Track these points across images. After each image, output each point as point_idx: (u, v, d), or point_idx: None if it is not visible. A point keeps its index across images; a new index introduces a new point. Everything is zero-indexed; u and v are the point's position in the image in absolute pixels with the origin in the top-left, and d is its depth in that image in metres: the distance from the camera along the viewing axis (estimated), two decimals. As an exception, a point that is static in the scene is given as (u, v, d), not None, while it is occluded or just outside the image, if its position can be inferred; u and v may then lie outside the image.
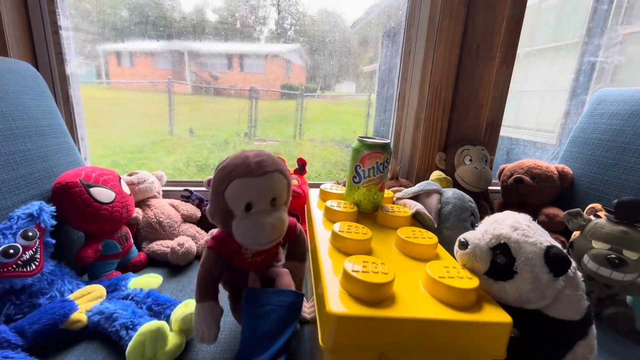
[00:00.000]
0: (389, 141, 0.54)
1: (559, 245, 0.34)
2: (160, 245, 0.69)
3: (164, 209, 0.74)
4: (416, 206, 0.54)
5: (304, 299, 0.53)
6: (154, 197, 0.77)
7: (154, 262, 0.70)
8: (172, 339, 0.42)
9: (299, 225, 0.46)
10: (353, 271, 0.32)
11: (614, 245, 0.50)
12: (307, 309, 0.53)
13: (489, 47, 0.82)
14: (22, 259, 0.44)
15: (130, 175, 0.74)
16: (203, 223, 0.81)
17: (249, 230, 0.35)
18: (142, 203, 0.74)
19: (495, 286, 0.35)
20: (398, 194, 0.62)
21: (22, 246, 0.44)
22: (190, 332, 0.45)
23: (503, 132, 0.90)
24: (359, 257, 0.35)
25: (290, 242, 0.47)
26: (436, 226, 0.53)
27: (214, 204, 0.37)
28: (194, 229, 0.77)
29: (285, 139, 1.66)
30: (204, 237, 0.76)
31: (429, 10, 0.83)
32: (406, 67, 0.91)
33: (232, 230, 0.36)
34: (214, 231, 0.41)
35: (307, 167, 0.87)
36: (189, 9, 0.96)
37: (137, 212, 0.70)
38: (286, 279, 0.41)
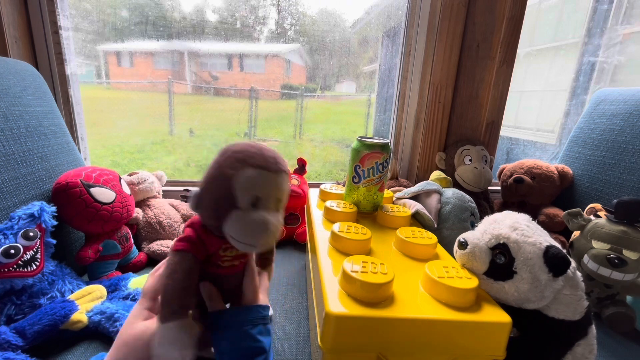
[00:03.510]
0: (389, 141, 0.54)
1: (558, 245, 0.34)
2: (160, 245, 0.69)
3: (164, 209, 0.74)
4: (416, 206, 0.54)
5: None
6: (154, 197, 0.77)
7: (154, 262, 0.70)
8: None
9: None
10: (352, 271, 0.32)
11: (614, 245, 0.51)
12: None
13: (489, 47, 0.82)
14: (22, 259, 0.44)
15: (130, 175, 0.74)
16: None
17: (252, 227, 0.30)
18: (142, 203, 0.74)
19: (495, 286, 0.35)
20: (398, 194, 0.62)
21: (23, 246, 0.44)
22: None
23: (503, 132, 0.90)
24: (358, 257, 0.36)
25: None
26: (436, 226, 0.53)
27: (211, 188, 0.31)
28: (194, 229, 0.77)
29: (285, 139, 1.65)
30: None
31: (429, 10, 0.83)
32: (406, 67, 0.91)
33: (225, 223, 0.30)
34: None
35: (307, 167, 0.87)
36: (189, 9, 0.96)
37: (137, 212, 0.70)
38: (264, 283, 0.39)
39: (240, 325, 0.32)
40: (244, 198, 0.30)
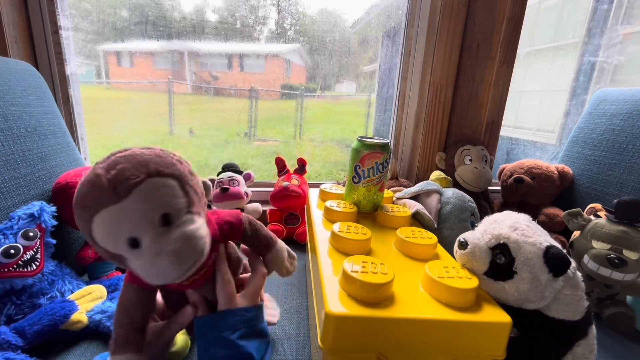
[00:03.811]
0: (389, 141, 0.54)
1: (558, 246, 0.34)
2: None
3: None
4: (416, 206, 0.54)
5: (270, 304, 0.48)
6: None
7: (154, 262, 0.70)
8: (179, 338, 0.42)
9: (243, 216, 0.35)
10: (352, 271, 0.32)
11: (614, 245, 0.50)
12: (272, 310, 0.48)
13: (489, 47, 0.82)
14: (22, 259, 0.44)
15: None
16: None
17: (150, 271, 0.25)
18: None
19: (495, 286, 0.35)
20: (398, 194, 0.62)
21: (22, 246, 0.44)
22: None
23: (503, 132, 0.90)
24: (358, 257, 0.35)
25: (244, 239, 0.35)
26: (436, 226, 0.53)
27: (97, 251, 0.26)
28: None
29: (285, 139, 1.66)
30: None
31: (429, 10, 0.83)
32: (406, 67, 0.91)
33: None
34: None
35: (307, 167, 0.87)
36: (189, 9, 0.96)
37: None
38: (252, 286, 0.35)
39: (214, 332, 0.30)
40: (120, 249, 0.25)
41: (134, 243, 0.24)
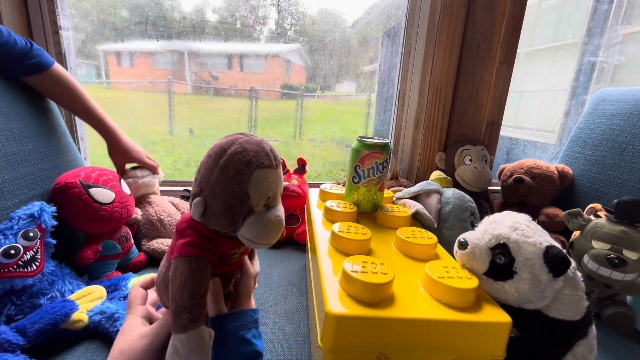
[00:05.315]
0: (389, 141, 0.54)
1: (558, 246, 0.34)
2: (161, 244, 0.69)
3: (165, 207, 0.74)
4: (416, 206, 0.54)
5: None
6: (154, 193, 0.77)
7: (154, 261, 0.70)
8: None
9: None
10: (352, 271, 0.32)
11: (614, 245, 0.50)
12: None
13: (489, 47, 0.82)
14: (22, 259, 0.44)
15: (134, 169, 0.74)
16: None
17: (269, 228, 0.31)
18: (143, 200, 0.74)
19: (495, 286, 0.35)
20: (398, 194, 0.62)
21: (22, 246, 0.44)
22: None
23: (503, 132, 0.90)
24: (358, 257, 0.35)
25: None
26: (436, 226, 0.53)
27: (221, 195, 0.29)
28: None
29: (285, 139, 1.66)
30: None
31: (429, 10, 0.83)
32: (406, 67, 0.91)
33: (239, 228, 0.30)
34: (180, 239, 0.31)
35: (307, 167, 0.87)
36: (189, 9, 0.96)
37: (137, 213, 0.70)
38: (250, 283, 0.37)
39: (236, 330, 0.32)
40: (259, 203, 0.30)
41: (267, 202, 0.31)
